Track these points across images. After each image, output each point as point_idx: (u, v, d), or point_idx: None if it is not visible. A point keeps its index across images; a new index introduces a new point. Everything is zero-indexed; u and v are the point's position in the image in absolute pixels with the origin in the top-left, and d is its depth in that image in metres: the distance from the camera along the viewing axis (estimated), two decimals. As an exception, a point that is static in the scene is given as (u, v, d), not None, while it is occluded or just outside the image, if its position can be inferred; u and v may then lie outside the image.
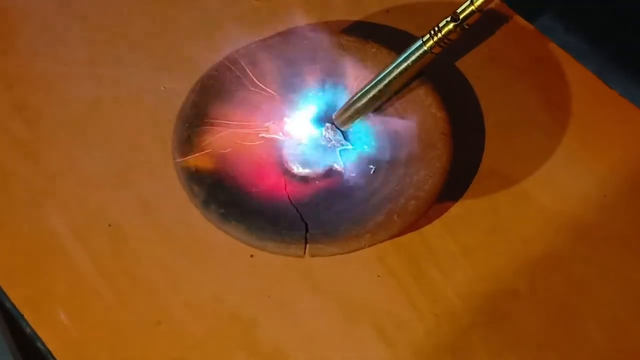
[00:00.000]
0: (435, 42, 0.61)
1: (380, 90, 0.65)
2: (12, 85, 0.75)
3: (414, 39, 0.63)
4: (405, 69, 0.63)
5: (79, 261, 0.66)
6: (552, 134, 0.71)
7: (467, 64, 0.74)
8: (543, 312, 0.64)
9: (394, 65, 0.64)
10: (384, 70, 0.65)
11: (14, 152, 0.71)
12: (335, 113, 0.68)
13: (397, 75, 0.64)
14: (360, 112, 0.67)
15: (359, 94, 0.66)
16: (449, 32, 0.60)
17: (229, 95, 0.68)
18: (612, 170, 0.69)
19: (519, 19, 0.76)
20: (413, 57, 0.63)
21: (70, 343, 0.63)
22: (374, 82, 0.65)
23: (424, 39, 0.62)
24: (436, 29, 0.61)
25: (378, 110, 0.68)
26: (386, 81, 0.65)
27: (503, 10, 0.77)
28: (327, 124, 0.68)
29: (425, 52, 0.62)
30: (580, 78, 0.74)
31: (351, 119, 0.67)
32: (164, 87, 0.73)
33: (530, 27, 0.76)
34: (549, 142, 0.71)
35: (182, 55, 0.75)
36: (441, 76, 0.70)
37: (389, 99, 0.67)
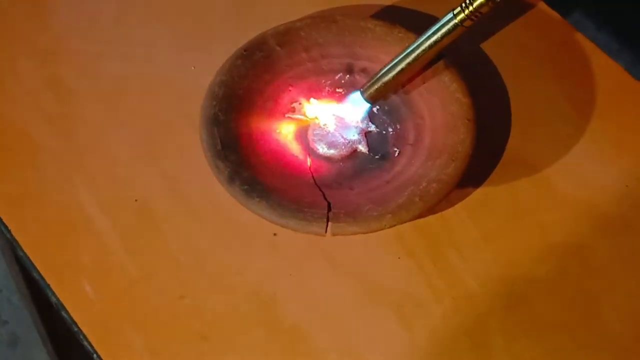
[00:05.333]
0: (466, 15, 0.61)
1: (409, 64, 0.65)
2: (45, 62, 0.76)
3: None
4: (435, 42, 0.63)
5: (105, 235, 0.67)
6: (576, 123, 0.71)
7: (496, 53, 0.74)
8: (560, 298, 0.64)
9: (423, 38, 0.64)
10: (413, 43, 0.65)
11: (44, 127, 0.72)
12: (363, 86, 0.68)
13: (426, 48, 0.64)
14: (388, 86, 0.67)
15: (388, 67, 0.66)
16: (481, 5, 0.60)
17: (256, 75, 0.68)
18: (635, 161, 0.70)
19: (549, 10, 0.77)
20: (443, 30, 0.63)
21: (94, 314, 0.64)
22: (403, 54, 0.65)
23: (455, 11, 0.62)
24: (467, 1, 0.61)
25: (404, 90, 0.68)
26: (415, 54, 0.64)
27: (533, 1, 0.77)
28: (354, 106, 0.69)
29: (455, 25, 0.62)
30: (606, 70, 0.74)
31: (378, 92, 0.67)
32: (194, 67, 0.74)
33: (560, 18, 0.76)
34: (573, 131, 0.71)
35: (212, 35, 0.76)
36: (470, 63, 0.70)
37: (418, 73, 0.67)
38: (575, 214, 0.67)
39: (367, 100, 0.68)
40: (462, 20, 0.61)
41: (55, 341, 1.10)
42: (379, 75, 0.67)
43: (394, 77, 0.66)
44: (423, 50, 0.64)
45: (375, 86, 0.67)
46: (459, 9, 0.61)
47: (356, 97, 0.69)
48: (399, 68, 0.66)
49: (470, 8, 0.60)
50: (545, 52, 0.75)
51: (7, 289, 1.40)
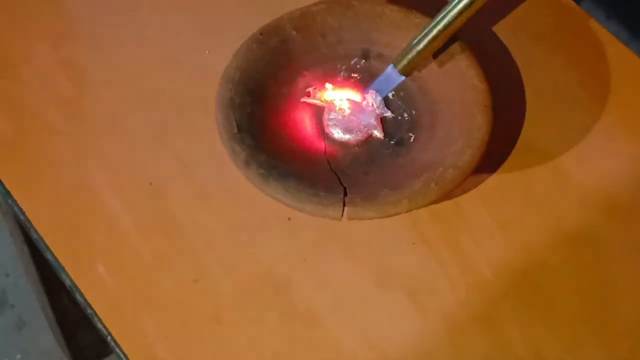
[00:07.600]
0: None
1: (440, 30, 0.64)
2: (59, 45, 0.76)
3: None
4: (466, 6, 0.63)
5: (119, 218, 0.67)
6: (591, 111, 0.71)
7: (511, 40, 0.74)
8: (574, 286, 0.64)
9: (454, 2, 0.63)
10: (444, 9, 0.64)
11: (59, 110, 0.72)
12: (395, 59, 0.67)
13: (457, 13, 0.63)
14: (420, 55, 0.66)
15: (420, 36, 0.65)
16: None
17: (272, 59, 0.68)
18: (650, 149, 0.70)
19: (564, -1, 0.77)
20: None
21: (108, 296, 0.65)
22: (435, 21, 0.64)
23: None
24: None
25: (420, 75, 0.68)
26: (446, 20, 0.64)
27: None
28: (371, 90, 0.69)
29: None
30: (620, 58, 0.74)
31: (411, 63, 0.66)
32: (208, 51, 0.74)
33: (575, 6, 0.76)
34: (587, 119, 0.71)
35: (226, 20, 0.76)
36: (485, 50, 0.70)
37: (448, 41, 0.66)
38: (589, 202, 0.67)
39: (400, 72, 0.67)
40: None
41: (62, 325, 1.11)
42: (411, 45, 0.66)
43: (426, 45, 0.65)
44: (453, 16, 0.63)
45: (409, 56, 0.66)
46: None
47: (388, 72, 0.68)
48: (430, 35, 0.65)
49: None
50: (560, 39, 0.75)
51: (14, 273, 1.40)
